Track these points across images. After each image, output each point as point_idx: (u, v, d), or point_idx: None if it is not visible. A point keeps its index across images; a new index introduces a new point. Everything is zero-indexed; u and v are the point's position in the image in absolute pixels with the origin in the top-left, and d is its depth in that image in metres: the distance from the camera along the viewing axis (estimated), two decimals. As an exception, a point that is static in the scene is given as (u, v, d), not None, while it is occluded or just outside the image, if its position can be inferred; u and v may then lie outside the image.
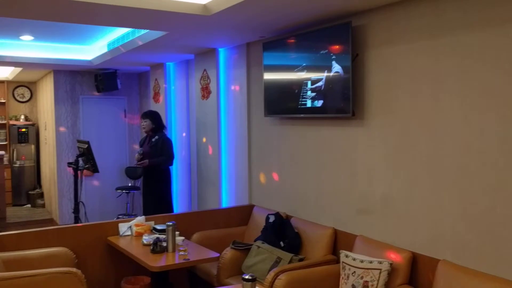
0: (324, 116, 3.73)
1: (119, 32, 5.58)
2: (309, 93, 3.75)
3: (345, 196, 3.66)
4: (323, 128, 3.83)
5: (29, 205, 9.19)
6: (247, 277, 2.42)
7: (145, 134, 5.59)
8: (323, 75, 3.59)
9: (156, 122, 5.43)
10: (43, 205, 9.08)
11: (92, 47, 6.50)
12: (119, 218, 7.36)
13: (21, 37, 5.81)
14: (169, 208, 5.47)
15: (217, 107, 5.20)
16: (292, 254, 3.67)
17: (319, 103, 3.67)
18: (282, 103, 4.12)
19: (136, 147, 7.13)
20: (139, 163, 5.34)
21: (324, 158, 3.85)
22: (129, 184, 7.69)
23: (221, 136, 5.24)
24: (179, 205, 6.30)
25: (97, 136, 7.47)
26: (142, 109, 7.88)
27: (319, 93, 3.66)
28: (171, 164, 5.50)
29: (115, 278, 4.11)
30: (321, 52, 3.61)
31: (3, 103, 9.39)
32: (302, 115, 3.90)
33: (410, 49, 3.08)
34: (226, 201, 5.30)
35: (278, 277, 3.24)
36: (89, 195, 7.44)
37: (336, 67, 3.43)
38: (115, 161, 7.76)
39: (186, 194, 6.23)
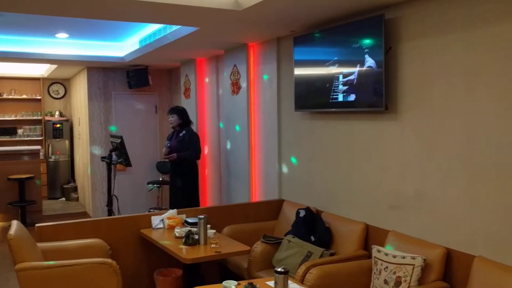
0: (356, 111, 3.70)
1: (151, 28, 5.67)
2: (340, 87, 3.73)
3: (376, 191, 3.63)
4: (355, 122, 3.80)
5: (63, 199, 9.45)
6: (279, 269, 2.43)
7: (172, 130, 5.67)
8: (355, 69, 3.57)
9: (183, 118, 5.50)
10: (76, 199, 9.33)
11: (124, 44, 6.62)
12: (150, 211, 7.50)
13: (57, 35, 5.98)
14: (195, 202, 5.53)
15: (247, 102, 5.23)
16: (323, 249, 3.67)
17: (351, 97, 3.65)
18: (313, 97, 4.11)
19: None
20: (166, 156, 5.43)
21: (355, 152, 3.83)
22: (160, 179, 7.83)
23: (250, 131, 5.27)
24: (208, 199, 6.37)
25: (128, 131, 7.61)
26: (172, 105, 7.98)
27: (351, 87, 3.63)
28: (198, 158, 5.56)
29: (147, 270, 4.19)
30: (353, 46, 3.58)
31: (39, 100, 9.67)
32: (333, 110, 3.88)
33: (444, 42, 3.02)
34: (255, 195, 5.32)
35: (309, 271, 3.25)
36: (121, 189, 7.57)
37: (369, 61, 3.40)
38: (146, 156, 7.89)
39: (215, 188, 6.29)
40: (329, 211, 4.12)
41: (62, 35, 5.98)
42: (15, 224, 3.47)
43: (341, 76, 3.72)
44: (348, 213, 3.92)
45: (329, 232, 3.87)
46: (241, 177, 5.45)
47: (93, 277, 3.31)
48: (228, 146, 5.75)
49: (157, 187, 7.71)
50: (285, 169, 4.81)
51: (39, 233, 3.79)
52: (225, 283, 2.58)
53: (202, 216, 3.67)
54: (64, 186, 9.51)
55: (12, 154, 7.43)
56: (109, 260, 3.36)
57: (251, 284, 2.49)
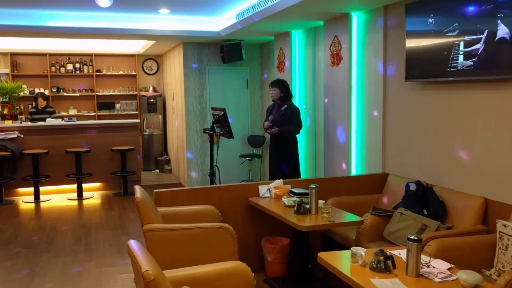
0: (478, 79, 3.50)
1: (249, 2, 5.71)
2: (461, 55, 3.54)
3: (501, 164, 3.44)
4: (476, 92, 3.60)
5: (157, 170, 9.94)
6: (413, 237, 2.39)
7: (272, 103, 5.68)
8: (481, 36, 3.36)
9: (284, 91, 5.48)
10: (170, 171, 9.77)
11: (220, 18, 6.73)
12: (242, 183, 7.69)
13: (159, 11, 6.19)
14: (297, 175, 5.56)
15: (349, 74, 5.13)
16: (439, 222, 3.56)
17: (473, 65, 3.45)
18: (427, 66, 3.95)
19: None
20: (270, 131, 5.43)
21: (475, 123, 3.64)
22: (252, 152, 7.98)
23: (351, 103, 5.18)
24: (305, 172, 6.39)
25: (221, 105, 7.77)
26: (263, 79, 8.06)
27: (475, 55, 3.43)
28: (299, 132, 5.55)
29: (254, 237, 4.31)
30: (480, 10, 3.37)
31: (134, 76, 10.16)
32: (450, 79, 3.70)
33: None
34: (355, 169, 5.27)
35: (428, 243, 3.17)
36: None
37: (501, 28, 3.18)
38: (237, 130, 8.03)
39: (312, 161, 6.30)
40: (442, 184, 3.98)
41: (164, 11, 6.19)
42: (138, 188, 3.69)
43: (462, 44, 3.53)
44: (464, 187, 3.76)
45: (444, 206, 3.74)
46: (340, 151, 5.40)
47: (211, 240, 3.46)
48: (326, 119, 5.71)
49: (249, 160, 7.87)
50: (390, 142, 4.70)
51: (157, 198, 4.02)
52: (353, 249, 2.58)
53: (314, 186, 3.69)
54: (158, 158, 9.98)
55: (115, 126, 7.89)
56: (226, 225, 3.49)
57: (381, 250, 2.47)
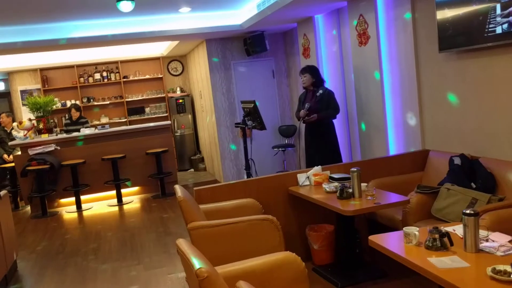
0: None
1: (268, -10, 5.63)
2: (499, 19, 3.38)
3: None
4: (517, 55, 3.44)
5: (192, 170, 10.01)
6: (468, 211, 2.29)
7: (303, 90, 5.57)
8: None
9: (315, 76, 5.34)
10: (204, 169, 9.82)
11: (241, 11, 6.67)
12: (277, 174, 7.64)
13: (180, 10, 6.18)
14: (338, 159, 5.44)
15: (378, 51, 5.00)
16: (490, 194, 3.43)
17: (512, 27, 3.29)
18: (461, 35, 3.79)
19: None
20: (307, 119, 5.30)
21: (519, 88, 3.48)
22: (284, 142, 7.91)
23: (384, 81, 5.05)
24: (342, 156, 6.29)
25: (249, 98, 7.74)
26: (289, 68, 7.97)
27: (513, 15, 3.26)
28: (336, 117, 5.41)
29: (297, 227, 4.26)
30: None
31: (161, 78, 10.23)
32: (489, 44, 3.54)
33: None
34: (393, 148, 5.14)
35: (482, 217, 3.05)
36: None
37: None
38: (268, 121, 7.94)
39: (348, 144, 6.19)
40: (487, 156, 3.83)
41: (184, 9, 6.18)
42: (178, 188, 3.69)
43: (498, 7, 3.36)
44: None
45: (493, 177, 3.60)
46: (376, 131, 5.28)
47: (256, 233, 3.42)
48: (358, 100, 5.59)
49: (282, 150, 7.81)
50: (427, 117, 4.56)
51: (198, 196, 4.02)
52: (406, 229, 2.50)
53: (355, 169, 3.61)
54: (192, 157, 10.04)
55: (147, 130, 7.96)
56: (270, 216, 3.45)
57: (436, 228, 2.38)
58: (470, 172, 3.74)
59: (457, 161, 3.85)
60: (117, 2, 5.10)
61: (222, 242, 3.38)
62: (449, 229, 2.63)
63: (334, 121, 5.47)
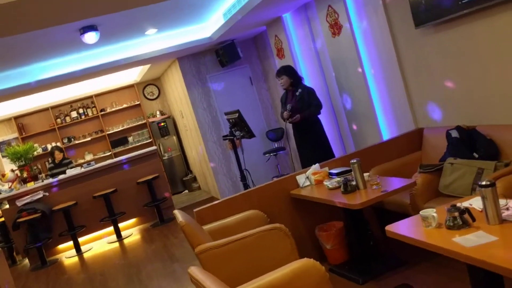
0: (497, 2, 3.25)
1: (232, -2, 5.54)
2: (470, -18, 3.32)
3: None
4: (498, 16, 3.37)
5: (186, 191, 9.83)
6: (484, 183, 2.19)
7: (283, 91, 5.49)
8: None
9: (292, 76, 5.27)
10: (198, 188, 9.65)
11: (208, 23, 6.57)
12: (274, 179, 7.52)
13: (147, 32, 6.05)
14: (330, 155, 5.36)
15: (353, 39, 4.93)
16: (495, 161, 3.34)
17: (486, -10, 3.22)
18: (435, 7, 3.72)
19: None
20: (291, 120, 5.22)
21: (505, 49, 3.40)
22: (274, 146, 7.80)
23: (364, 68, 4.98)
24: (334, 152, 6.20)
25: (231, 108, 7.60)
26: (266, 72, 7.88)
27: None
28: (320, 113, 5.34)
29: (305, 229, 4.14)
30: None
31: (138, 105, 10.06)
32: (465, 11, 3.47)
33: None
34: (386, 133, 5.06)
35: (493, 186, 2.96)
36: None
37: None
38: (254, 128, 7.80)
39: (337, 139, 6.10)
40: (483, 123, 3.76)
41: (151, 31, 6.05)
42: (178, 213, 3.54)
43: (467, -29, 3.30)
44: (509, 119, 3.54)
45: (494, 144, 3.52)
46: (366, 120, 5.20)
47: (267, 244, 3.29)
48: (342, 92, 5.50)
49: (274, 155, 7.69)
50: (415, 95, 4.49)
51: (199, 217, 3.87)
52: (422, 213, 2.39)
53: (355, 160, 3.51)
54: (184, 178, 9.87)
55: (134, 159, 7.78)
56: (278, 225, 3.32)
57: (454, 205, 2.28)
58: (470, 143, 3.66)
59: (454, 134, 3.78)
60: (81, 35, 4.96)
61: (233, 260, 3.24)
62: (465, 204, 2.53)
63: (321, 116, 5.39)
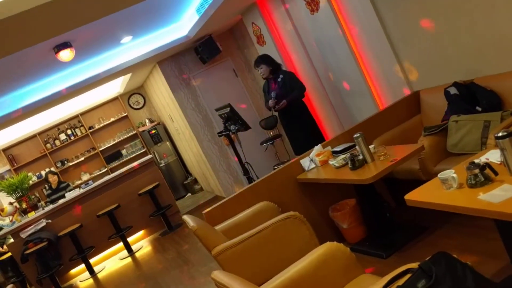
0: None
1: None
2: None
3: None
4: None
5: (189, 194, 9.72)
6: (500, 134, 2.10)
7: (263, 81, 5.43)
8: None
9: (271, 64, 5.25)
10: (201, 189, 9.54)
11: (183, 22, 6.42)
12: (275, 168, 7.43)
13: (122, 41, 5.90)
14: (321, 137, 5.31)
15: (333, 13, 4.81)
16: (500, 111, 3.27)
17: None
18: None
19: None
20: (277, 107, 5.17)
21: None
22: (270, 135, 7.69)
23: (349, 40, 4.87)
24: (329, 131, 6.11)
25: (220, 104, 7.48)
26: (249, 61, 7.74)
27: None
28: (304, 95, 5.30)
29: (318, 212, 4.05)
30: None
31: (126, 116, 9.90)
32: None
33: None
34: (383, 103, 4.96)
35: (503, 137, 2.88)
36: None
37: None
38: (246, 120, 7.61)
39: (333, 117, 6.00)
40: (479, 75, 3.67)
41: (126, 39, 5.90)
42: (187, 217, 3.44)
43: None
44: (506, 66, 3.45)
45: (495, 94, 3.44)
46: (360, 93, 5.10)
47: (284, 235, 3.20)
48: (330, 69, 5.40)
49: (271, 144, 7.58)
50: (404, 58, 4.39)
51: (209, 218, 3.77)
52: (440, 175, 2.30)
53: (358, 134, 3.42)
54: (184, 182, 9.75)
55: (132, 172, 7.64)
56: (292, 212, 3.23)
57: (472, 163, 2.19)
58: (470, 97, 3.58)
59: (453, 90, 3.69)
60: (56, 54, 4.81)
61: (253, 256, 3.15)
62: (482, 159, 2.44)
63: (314, 98, 5.32)
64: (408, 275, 1.74)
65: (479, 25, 3.51)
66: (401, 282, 1.72)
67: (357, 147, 3.49)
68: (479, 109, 3.47)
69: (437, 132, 3.59)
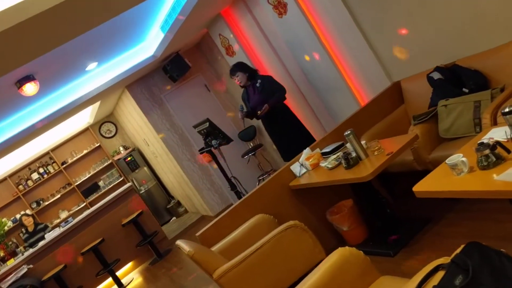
0: None
1: (166, 8, 5.24)
2: None
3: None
4: None
5: (174, 218, 9.43)
6: (507, 110, 1.99)
7: (238, 93, 5.30)
8: None
9: (247, 70, 5.15)
10: (185, 211, 9.27)
11: (148, 41, 6.23)
12: (260, 179, 7.26)
13: (87, 68, 5.67)
14: (310, 137, 5.17)
15: (302, 13, 4.71)
16: (489, 89, 3.19)
17: None
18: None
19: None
20: (260, 112, 5.03)
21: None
22: (250, 146, 7.53)
23: (321, 39, 4.77)
24: (315, 131, 5.98)
25: (196, 121, 7.27)
26: (220, 74, 7.59)
27: None
28: (285, 97, 5.18)
29: (316, 217, 3.88)
30: None
31: (99, 147, 9.57)
32: None
33: None
34: (364, 98, 4.87)
35: (498, 115, 2.80)
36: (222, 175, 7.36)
37: None
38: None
39: (314, 120, 5.88)
40: (462, 56, 3.61)
41: (91, 66, 5.66)
42: (181, 243, 3.24)
43: None
44: (486, 45, 3.39)
45: (480, 73, 3.37)
46: (338, 91, 5.00)
47: (286, 246, 3.04)
48: (305, 70, 5.29)
49: (253, 154, 7.41)
50: (380, 49, 4.31)
51: (204, 240, 3.57)
52: (448, 161, 2.17)
53: (349, 131, 3.28)
54: (167, 207, 9.46)
55: (112, 203, 7.33)
56: (292, 222, 3.07)
57: (481, 143, 2.07)
58: (456, 80, 3.50)
59: (436, 75, 3.61)
60: (20, 88, 4.54)
61: (257, 274, 2.97)
62: (485, 140, 2.33)
63: (291, 102, 5.20)
64: (441, 272, 1.59)
65: (454, 5, 3.45)
66: (435, 281, 1.56)
67: (348, 144, 3.36)
68: (466, 90, 3.39)
69: (427, 119, 3.50)
